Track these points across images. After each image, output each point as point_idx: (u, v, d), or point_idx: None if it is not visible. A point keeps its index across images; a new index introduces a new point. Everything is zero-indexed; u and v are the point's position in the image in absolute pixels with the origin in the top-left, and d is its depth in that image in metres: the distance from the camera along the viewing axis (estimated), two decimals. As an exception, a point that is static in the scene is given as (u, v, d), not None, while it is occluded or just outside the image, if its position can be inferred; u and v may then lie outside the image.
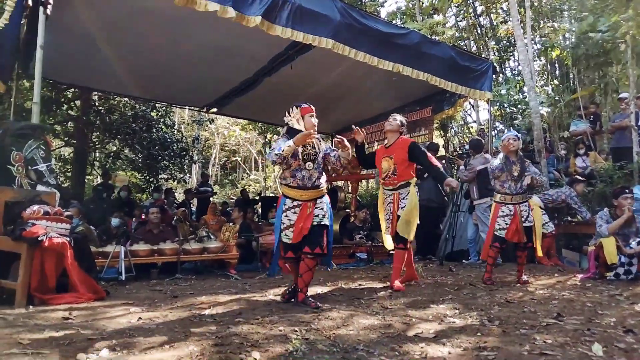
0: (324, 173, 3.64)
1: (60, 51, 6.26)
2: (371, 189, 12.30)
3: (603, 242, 4.74)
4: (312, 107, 3.55)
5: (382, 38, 5.83)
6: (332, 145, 3.91)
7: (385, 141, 4.53)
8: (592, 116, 8.07)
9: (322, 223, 3.52)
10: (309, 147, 3.49)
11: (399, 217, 4.24)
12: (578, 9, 9.46)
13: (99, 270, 4.80)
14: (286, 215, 3.51)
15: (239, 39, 5.79)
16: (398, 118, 4.45)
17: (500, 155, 4.73)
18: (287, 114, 3.55)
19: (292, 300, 3.63)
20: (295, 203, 3.50)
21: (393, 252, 4.47)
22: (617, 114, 7.59)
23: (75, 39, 6.03)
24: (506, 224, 4.59)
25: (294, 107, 3.53)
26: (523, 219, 4.58)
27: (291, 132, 3.45)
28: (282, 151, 3.28)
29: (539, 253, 4.99)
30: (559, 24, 9.49)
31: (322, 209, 3.54)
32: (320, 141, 3.64)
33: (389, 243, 4.48)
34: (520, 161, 4.62)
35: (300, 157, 3.44)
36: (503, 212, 4.63)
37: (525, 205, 4.63)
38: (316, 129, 3.50)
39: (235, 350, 2.30)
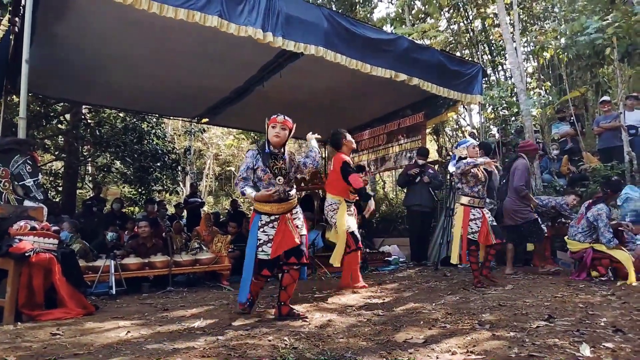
0: (294, 184, 3.56)
1: (49, 65, 6.27)
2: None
3: (617, 255, 4.68)
4: (279, 118, 3.40)
5: (371, 44, 5.85)
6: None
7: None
8: (572, 117, 8.12)
9: (302, 233, 3.48)
10: (280, 162, 3.38)
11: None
12: (568, 10, 9.51)
13: (90, 285, 4.76)
14: (263, 231, 3.37)
15: (228, 47, 5.79)
16: None
17: (468, 160, 4.73)
18: None
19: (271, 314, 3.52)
20: (272, 217, 3.38)
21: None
22: (601, 115, 7.60)
23: (63, 53, 6.03)
24: (478, 227, 4.62)
25: (266, 119, 3.46)
26: (490, 220, 4.72)
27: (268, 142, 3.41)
28: (244, 194, 3.31)
29: None
30: (550, 26, 9.52)
31: (299, 219, 3.50)
32: (292, 160, 3.50)
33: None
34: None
35: (270, 172, 3.32)
36: (474, 215, 4.66)
37: (487, 209, 4.84)
38: (282, 139, 3.40)
39: (222, 362, 2.28)
